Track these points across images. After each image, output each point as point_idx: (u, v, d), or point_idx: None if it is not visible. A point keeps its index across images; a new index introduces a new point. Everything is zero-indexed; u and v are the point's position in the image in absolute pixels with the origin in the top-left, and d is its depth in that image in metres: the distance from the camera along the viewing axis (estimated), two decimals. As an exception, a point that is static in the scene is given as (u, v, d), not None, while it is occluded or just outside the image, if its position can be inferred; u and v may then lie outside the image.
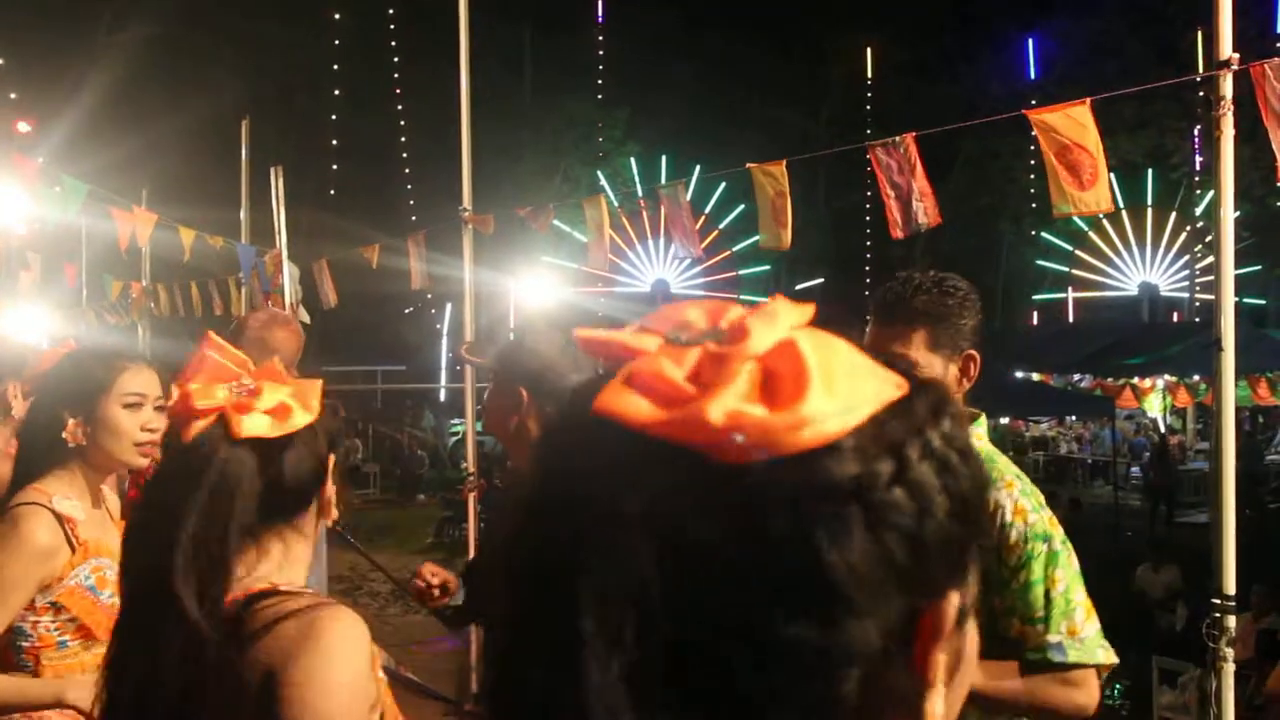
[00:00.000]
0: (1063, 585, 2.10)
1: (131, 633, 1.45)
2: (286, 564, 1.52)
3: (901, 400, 0.56)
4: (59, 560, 2.31)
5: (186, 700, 1.36)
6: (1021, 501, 2.13)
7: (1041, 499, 2.18)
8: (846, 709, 0.52)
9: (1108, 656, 2.11)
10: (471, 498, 5.92)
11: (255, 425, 1.46)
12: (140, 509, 1.56)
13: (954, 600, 0.56)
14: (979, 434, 2.27)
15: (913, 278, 2.29)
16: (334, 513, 1.61)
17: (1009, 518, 2.11)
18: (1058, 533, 2.14)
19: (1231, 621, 3.25)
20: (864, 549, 0.52)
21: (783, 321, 0.56)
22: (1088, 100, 3.80)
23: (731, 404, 0.51)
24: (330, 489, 1.59)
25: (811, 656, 0.51)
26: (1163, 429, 20.14)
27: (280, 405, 1.48)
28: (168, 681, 1.37)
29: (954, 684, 0.59)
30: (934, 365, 2.22)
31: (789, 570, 0.51)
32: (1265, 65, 3.28)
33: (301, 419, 1.49)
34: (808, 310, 0.58)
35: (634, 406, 0.52)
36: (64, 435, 2.39)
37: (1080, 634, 2.09)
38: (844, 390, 0.53)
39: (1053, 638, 2.07)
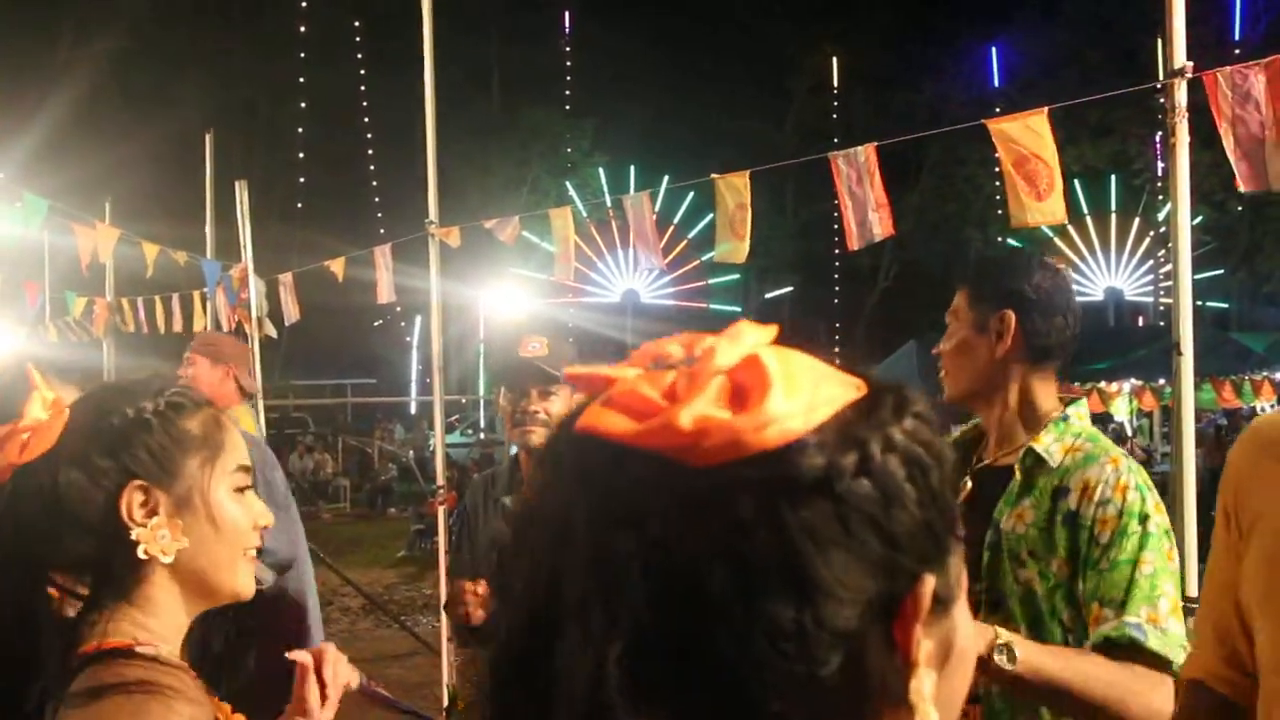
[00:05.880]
0: (1150, 569, 1.87)
1: None
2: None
3: (863, 400, 0.61)
4: None
5: None
6: (1126, 479, 1.95)
7: (1150, 484, 1.99)
8: (831, 688, 0.57)
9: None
10: (441, 511, 5.87)
11: None
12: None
13: (929, 583, 0.60)
14: (1080, 414, 2.14)
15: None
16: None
17: (1109, 494, 1.93)
18: (1160, 518, 1.94)
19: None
20: (833, 536, 0.57)
21: (747, 339, 0.61)
22: (1045, 109, 3.81)
23: (700, 410, 0.56)
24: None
25: (790, 637, 0.55)
26: (1129, 433, 20.29)
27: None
28: None
29: (946, 674, 0.64)
30: (969, 322, 2.12)
31: (763, 556, 0.55)
32: (1218, 73, 3.30)
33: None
34: (771, 329, 0.64)
35: (612, 422, 0.58)
36: None
37: (1162, 624, 1.85)
38: (805, 393, 0.58)
39: (1130, 618, 1.84)
